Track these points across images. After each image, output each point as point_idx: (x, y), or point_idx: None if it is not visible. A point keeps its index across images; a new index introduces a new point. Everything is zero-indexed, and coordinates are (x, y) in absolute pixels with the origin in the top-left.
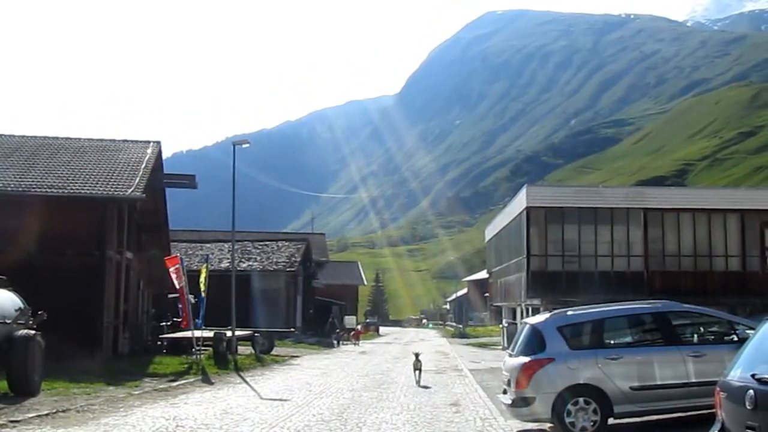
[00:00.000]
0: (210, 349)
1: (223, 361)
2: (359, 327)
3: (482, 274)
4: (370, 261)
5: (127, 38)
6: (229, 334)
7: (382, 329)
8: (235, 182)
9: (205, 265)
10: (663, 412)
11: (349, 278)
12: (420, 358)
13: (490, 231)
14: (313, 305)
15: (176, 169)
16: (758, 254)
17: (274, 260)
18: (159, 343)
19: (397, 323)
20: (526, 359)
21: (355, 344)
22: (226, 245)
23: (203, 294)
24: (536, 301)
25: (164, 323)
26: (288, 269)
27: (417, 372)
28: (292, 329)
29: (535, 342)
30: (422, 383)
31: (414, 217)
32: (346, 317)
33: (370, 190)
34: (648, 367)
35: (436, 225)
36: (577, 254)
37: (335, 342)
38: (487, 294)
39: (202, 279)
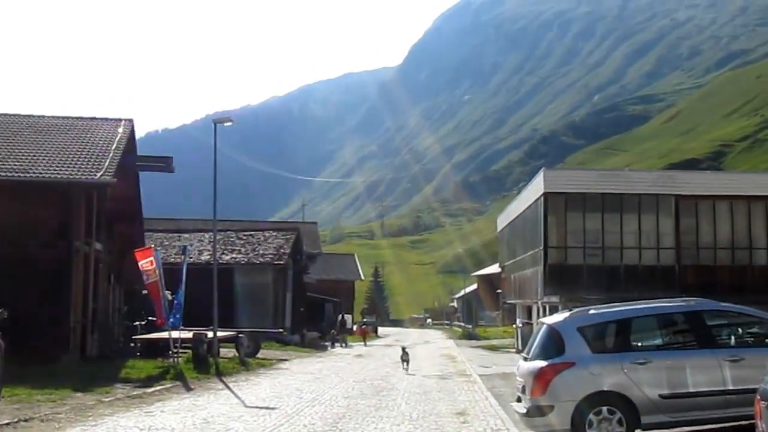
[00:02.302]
0: (189, 351)
1: (204, 364)
2: (364, 326)
3: (494, 269)
4: (367, 253)
5: (92, 5)
6: (210, 335)
7: (381, 330)
8: (217, 165)
9: (183, 257)
10: (696, 423)
11: (344, 273)
12: (407, 350)
13: (503, 220)
14: (304, 303)
15: (151, 151)
16: None
17: (261, 252)
18: (132, 344)
19: (398, 323)
20: (542, 363)
21: (362, 345)
22: (206, 235)
23: (181, 290)
24: (554, 299)
25: (138, 323)
26: (276, 262)
27: (405, 363)
28: (281, 330)
29: (553, 344)
30: (420, 387)
31: (417, 204)
32: (341, 317)
33: (368, 174)
34: (680, 373)
35: (442, 213)
36: (600, 246)
37: (331, 344)
38: (499, 291)
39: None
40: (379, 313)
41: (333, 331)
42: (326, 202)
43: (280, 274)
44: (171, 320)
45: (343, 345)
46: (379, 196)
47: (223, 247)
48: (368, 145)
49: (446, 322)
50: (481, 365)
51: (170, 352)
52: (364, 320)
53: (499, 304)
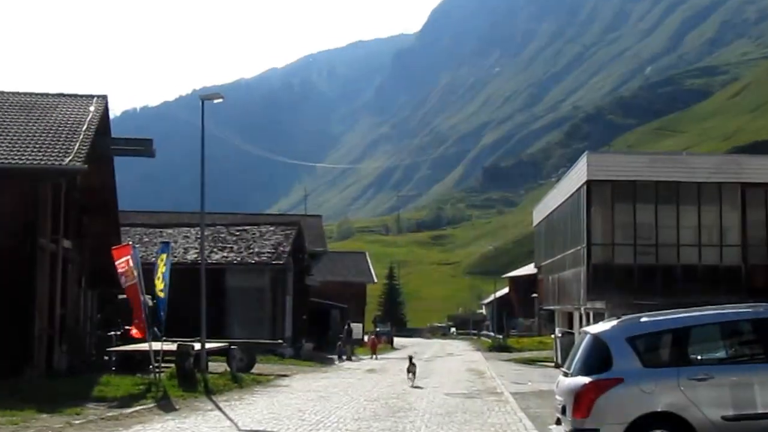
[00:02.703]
0: (173, 365)
1: (190, 381)
2: (373, 336)
3: (529, 269)
4: (381, 252)
5: None
6: (197, 346)
7: (397, 341)
8: (205, 149)
9: (165, 256)
10: None
11: (353, 274)
12: (414, 361)
13: (540, 213)
14: (306, 309)
15: (128, 132)
16: None
17: (256, 250)
18: (106, 357)
19: (416, 333)
20: (586, 380)
21: (372, 358)
22: (193, 231)
23: (163, 295)
24: (599, 304)
25: (113, 332)
26: (274, 262)
27: (410, 374)
28: (280, 341)
29: (598, 357)
30: (443, 407)
31: (439, 195)
32: (352, 325)
33: (381, 159)
34: (746, 391)
35: (469, 205)
36: (653, 243)
37: (338, 357)
38: (535, 295)
39: (159, 274)
40: (395, 322)
41: (339, 342)
42: (332, 192)
43: (278, 276)
44: (152, 329)
45: (351, 358)
46: (394, 185)
47: (212, 244)
48: (381, 125)
49: (473, 331)
50: (513, 381)
51: (151, 366)
52: (377, 329)
53: (535, 310)
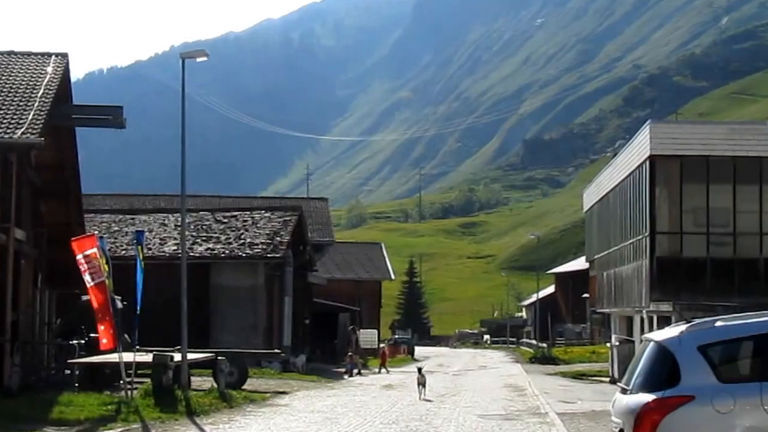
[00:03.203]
0: (148, 381)
1: (169, 399)
2: (384, 346)
3: (579, 264)
4: (400, 242)
5: None
6: (177, 357)
7: (418, 351)
8: (186, 118)
9: (138, 248)
10: None
11: (367, 270)
12: (424, 372)
13: (592, 195)
14: (309, 312)
15: (93, 98)
16: None
17: (248, 241)
18: (68, 371)
19: (443, 341)
20: (649, 398)
21: (381, 371)
22: (172, 218)
23: (137, 295)
24: (665, 306)
25: (76, 341)
26: (270, 256)
27: (420, 387)
28: (278, 350)
29: (664, 370)
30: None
31: (470, 173)
32: (362, 332)
33: (399, 130)
34: None
35: (506, 186)
36: (730, 231)
37: (348, 371)
38: (585, 295)
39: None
40: (416, 328)
41: (350, 353)
42: (340, 170)
43: (275, 273)
44: (122, 337)
45: (361, 372)
46: (415, 161)
47: (195, 234)
48: (399, 88)
49: (511, 339)
50: (560, 400)
51: (122, 382)
52: (395, 337)
53: (586, 314)
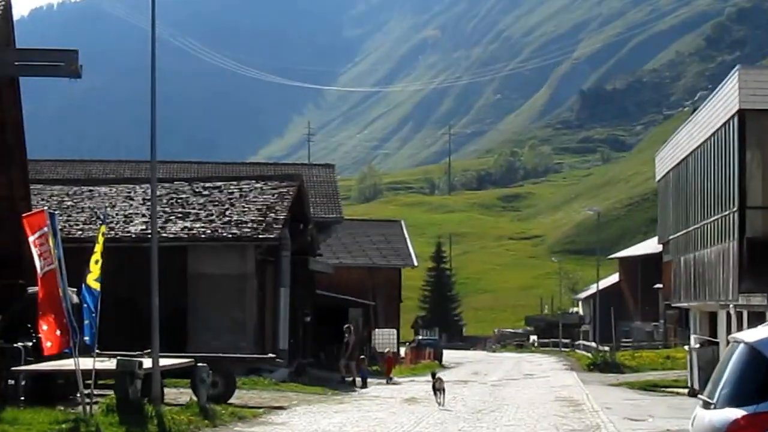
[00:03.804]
0: (111, 393)
1: (137, 417)
2: (389, 351)
3: (649, 247)
4: (425, 220)
5: None
6: (147, 364)
7: (448, 355)
8: (157, 66)
9: (100, 228)
10: None
11: (383, 254)
12: (440, 376)
13: (665, 160)
14: (312, 307)
15: (41, 41)
16: None
17: (235, 219)
18: (12, 381)
19: (478, 343)
20: (738, 413)
21: (388, 382)
22: (140, 189)
23: (95, 286)
24: (758, 299)
25: (22, 344)
26: (262, 237)
27: (439, 393)
28: (273, 355)
29: (758, 379)
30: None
31: (513, 131)
32: (378, 333)
33: (424, 78)
34: None
35: (557, 149)
36: None
37: (360, 380)
38: (659, 286)
39: (96, 255)
40: (445, 326)
41: (361, 356)
42: (349, 130)
43: (268, 258)
44: (78, 339)
45: (355, 380)
46: (442, 117)
47: (169, 209)
48: (423, 26)
49: (564, 341)
50: (627, 417)
51: (78, 394)
52: (418, 338)
53: (659, 309)
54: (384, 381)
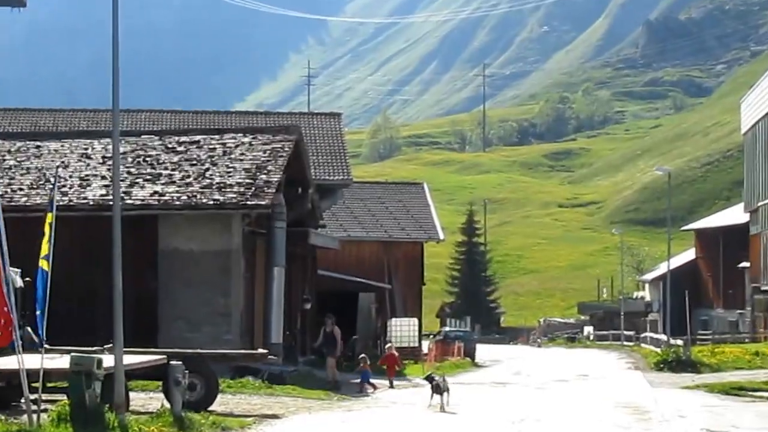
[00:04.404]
0: (64, 398)
1: (95, 428)
2: (391, 346)
3: (733, 216)
4: (453, 183)
5: None
6: (108, 362)
7: (482, 350)
8: None
9: (50, 193)
10: None
11: (402, 225)
12: (440, 374)
13: (754, 107)
14: (313, 291)
15: None
16: None
17: (217, 181)
18: None
19: (519, 335)
20: None
21: (391, 385)
22: (98, 145)
23: (43, 265)
24: None
25: None
26: (250, 203)
27: (443, 395)
28: (264, 351)
29: None
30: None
31: (563, 72)
32: (396, 323)
33: (453, 6)
34: None
35: (618, 93)
36: None
37: (371, 385)
38: (745, 264)
39: (46, 232)
40: (479, 315)
41: (361, 355)
42: (359, 71)
43: (258, 230)
44: (24, 331)
45: (336, 381)
46: (475, 55)
47: (135, 170)
48: None
49: (627, 333)
50: (705, 428)
51: (23, 400)
52: (445, 330)
53: (746, 292)
54: (387, 384)
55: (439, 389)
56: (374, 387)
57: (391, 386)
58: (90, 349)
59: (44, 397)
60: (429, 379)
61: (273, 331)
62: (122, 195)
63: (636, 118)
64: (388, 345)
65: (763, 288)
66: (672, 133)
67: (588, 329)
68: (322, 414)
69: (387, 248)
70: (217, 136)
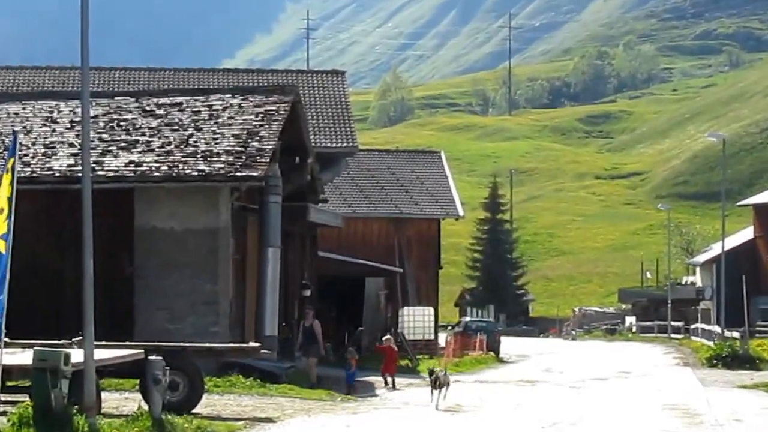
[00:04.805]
0: (26, 399)
1: (62, 430)
2: (389, 339)
3: None
4: (475, 151)
5: None
6: (77, 357)
7: (508, 343)
8: None
9: (8, 162)
10: None
11: (415, 200)
12: (441, 369)
13: None
14: (314, 276)
15: None
16: None
17: (202, 149)
18: None
19: (551, 327)
20: None
21: (386, 385)
22: (66, 108)
23: (1, 248)
24: None
25: None
26: (240, 174)
27: (442, 389)
28: (257, 344)
29: None
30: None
31: (601, 24)
32: (408, 312)
33: None
34: None
35: (665, 47)
36: None
37: (390, 384)
38: None
39: (4, 203)
40: (504, 303)
41: (349, 350)
42: (365, 22)
43: (249, 205)
44: None
45: (390, 386)
46: (499, 4)
47: (108, 137)
48: None
49: (675, 324)
50: None
51: None
52: (465, 320)
53: None
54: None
55: (438, 383)
56: (355, 389)
57: (393, 387)
58: (56, 342)
59: (3, 398)
60: (430, 372)
61: (266, 322)
62: (93, 165)
63: (685, 76)
64: (386, 338)
65: None
66: (727, 93)
67: (630, 320)
68: (322, 417)
69: (398, 226)
70: (202, 98)
